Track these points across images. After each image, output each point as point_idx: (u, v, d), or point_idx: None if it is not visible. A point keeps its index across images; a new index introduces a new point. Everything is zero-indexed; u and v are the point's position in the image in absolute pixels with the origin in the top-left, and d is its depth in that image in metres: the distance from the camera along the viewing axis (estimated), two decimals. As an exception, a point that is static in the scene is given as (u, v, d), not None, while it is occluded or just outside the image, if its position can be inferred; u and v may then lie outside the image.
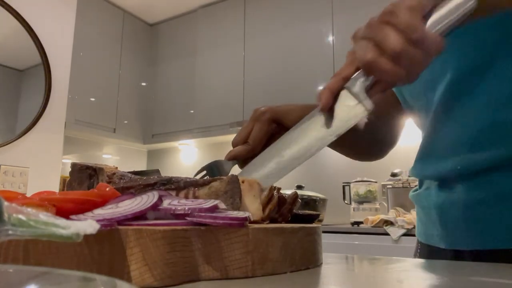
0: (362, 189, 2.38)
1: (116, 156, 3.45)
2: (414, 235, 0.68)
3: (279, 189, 0.52)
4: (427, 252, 0.64)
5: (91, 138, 3.15)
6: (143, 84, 3.41)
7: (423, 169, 0.63)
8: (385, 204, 2.26)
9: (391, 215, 1.98)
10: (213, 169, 0.56)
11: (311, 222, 0.48)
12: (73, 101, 2.69)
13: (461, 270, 0.46)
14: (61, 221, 0.21)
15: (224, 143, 3.25)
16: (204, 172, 0.56)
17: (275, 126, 0.56)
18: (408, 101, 0.68)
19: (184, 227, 0.33)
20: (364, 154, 0.78)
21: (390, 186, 2.22)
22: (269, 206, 0.48)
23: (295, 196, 0.52)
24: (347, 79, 0.47)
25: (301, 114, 0.54)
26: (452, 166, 0.56)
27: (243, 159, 0.56)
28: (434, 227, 0.61)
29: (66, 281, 0.18)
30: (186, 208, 0.35)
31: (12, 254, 0.25)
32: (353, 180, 2.42)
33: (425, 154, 0.63)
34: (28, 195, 0.36)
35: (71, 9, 2.28)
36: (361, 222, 2.15)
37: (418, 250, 0.68)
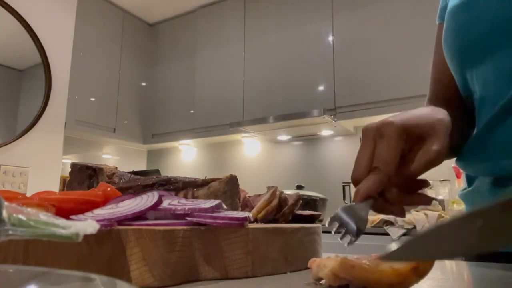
0: (362, 189, 2.37)
1: (116, 156, 3.45)
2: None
3: (279, 191, 0.52)
4: (475, 255, 0.60)
5: (91, 138, 3.15)
6: (143, 84, 3.41)
7: (477, 163, 0.58)
8: (385, 204, 2.25)
9: (391, 215, 1.98)
10: (346, 218, 0.41)
11: (312, 222, 0.48)
12: (73, 101, 2.69)
13: (466, 269, 0.46)
14: (61, 221, 0.21)
15: (224, 143, 3.26)
16: (338, 225, 0.41)
17: (405, 139, 0.43)
18: (470, 87, 0.61)
19: (184, 227, 0.33)
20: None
21: (390, 186, 2.22)
22: (267, 208, 0.48)
23: (297, 198, 0.52)
24: None
25: (431, 115, 0.45)
26: None
27: (379, 194, 0.42)
28: None
29: (66, 281, 0.18)
30: (186, 208, 0.35)
31: (12, 254, 0.25)
32: (353, 180, 2.42)
33: (482, 148, 0.57)
34: (28, 195, 0.36)
35: (71, 9, 2.28)
36: (361, 222, 2.14)
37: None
